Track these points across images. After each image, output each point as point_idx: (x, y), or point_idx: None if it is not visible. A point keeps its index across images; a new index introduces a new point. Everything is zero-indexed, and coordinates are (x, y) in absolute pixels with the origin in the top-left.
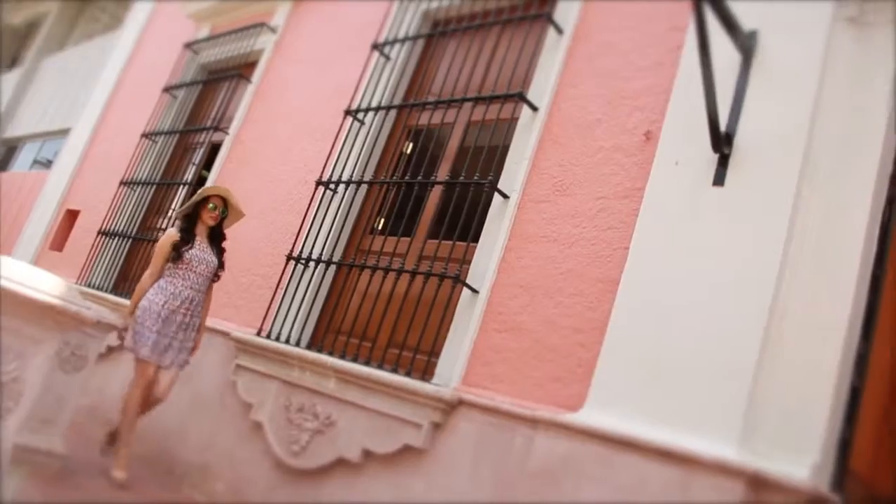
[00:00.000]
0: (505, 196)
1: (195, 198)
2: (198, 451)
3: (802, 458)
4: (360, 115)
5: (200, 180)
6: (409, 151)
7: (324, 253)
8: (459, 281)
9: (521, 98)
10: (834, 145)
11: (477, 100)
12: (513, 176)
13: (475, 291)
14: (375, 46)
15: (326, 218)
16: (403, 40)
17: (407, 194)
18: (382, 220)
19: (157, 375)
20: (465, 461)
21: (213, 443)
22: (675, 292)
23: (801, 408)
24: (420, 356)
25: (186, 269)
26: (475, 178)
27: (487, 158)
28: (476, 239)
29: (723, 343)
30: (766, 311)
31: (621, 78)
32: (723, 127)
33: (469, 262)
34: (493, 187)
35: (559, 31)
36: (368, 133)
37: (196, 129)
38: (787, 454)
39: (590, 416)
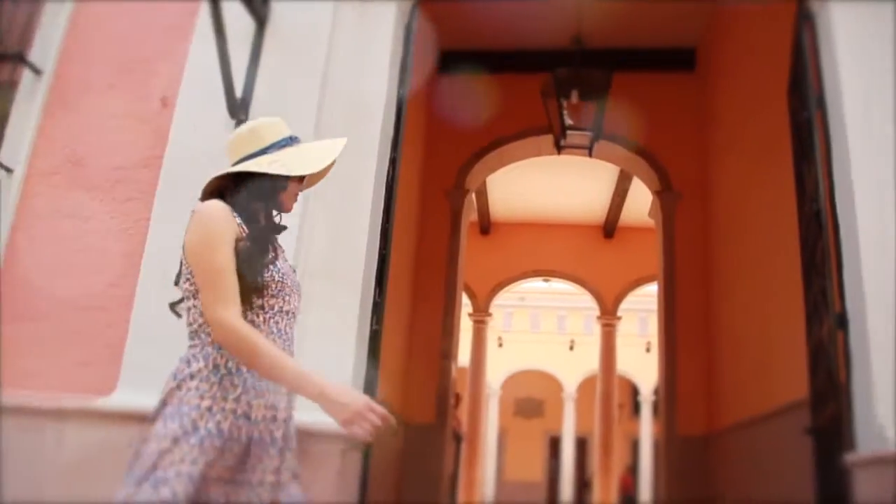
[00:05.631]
0: (8, 170)
1: (285, 164)
2: None
3: None
4: None
5: None
6: None
7: None
8: None
9: (20, 59)
10: (343, 111)
11: None
12: (16, 147)
13: None
14: None
15: None
16: None
17: None
18: None
19: None
20: None
21: None
22: None
23: (332, 356)
24: None
25: (273, 308)
26: None
27: None
28: None
29: None
30: None
31: (135, 42)
32: (239, 93)
33: None
34: None
35: None
36: None
37: None
38: None
39: (123, 397)
